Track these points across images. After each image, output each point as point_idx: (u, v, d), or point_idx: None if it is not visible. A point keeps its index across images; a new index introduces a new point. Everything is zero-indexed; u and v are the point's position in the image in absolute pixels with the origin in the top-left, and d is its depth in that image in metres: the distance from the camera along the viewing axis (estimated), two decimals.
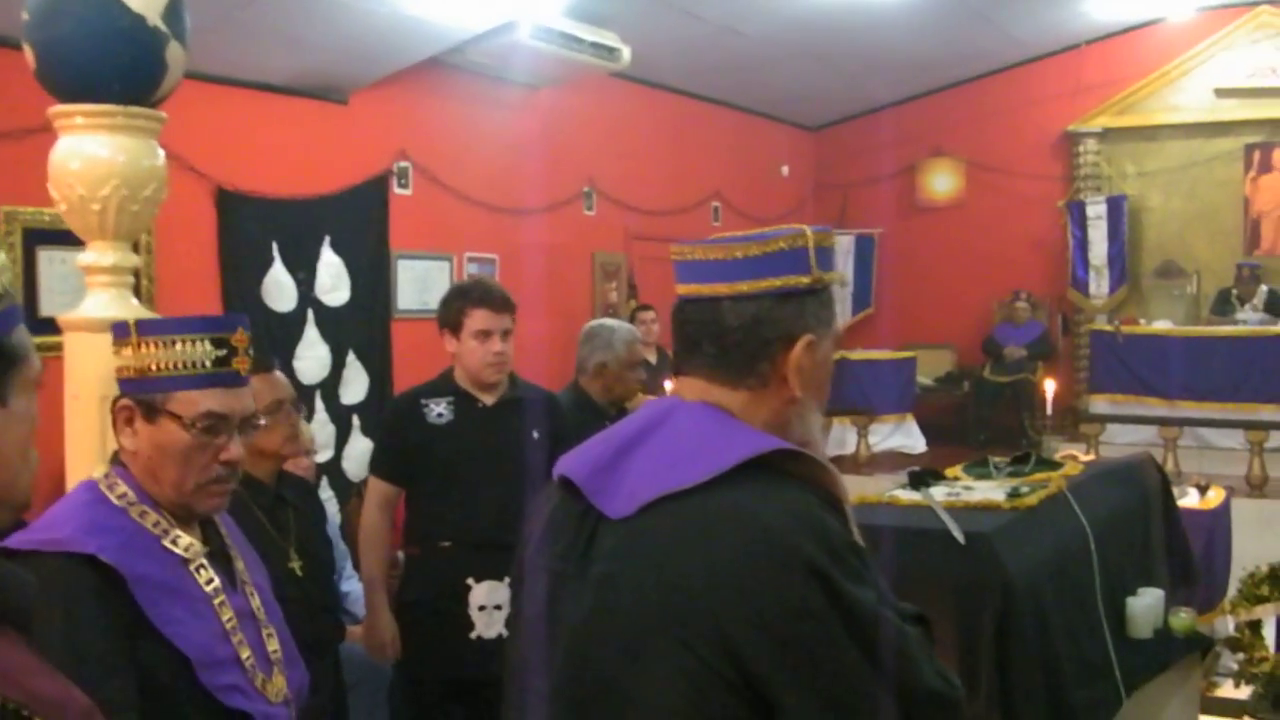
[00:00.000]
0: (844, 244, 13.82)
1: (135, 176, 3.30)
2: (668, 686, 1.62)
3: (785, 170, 13.59)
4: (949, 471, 3.78)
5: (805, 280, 1.81)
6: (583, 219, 10.93)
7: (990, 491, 3.35)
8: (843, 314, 13.83)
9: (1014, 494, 3.29)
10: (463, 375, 4.44)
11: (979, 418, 12.49)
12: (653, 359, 8.96)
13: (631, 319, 9.27)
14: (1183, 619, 3.71)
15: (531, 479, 4.36)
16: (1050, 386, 4.85)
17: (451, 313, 4.42)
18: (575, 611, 1.75)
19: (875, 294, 13.97)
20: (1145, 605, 3.59)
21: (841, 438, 11.35)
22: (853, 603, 1.63)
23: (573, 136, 10.57)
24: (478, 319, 4.35)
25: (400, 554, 4.98)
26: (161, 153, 3.41)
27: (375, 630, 4.41)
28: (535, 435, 4.44)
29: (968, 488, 3.44)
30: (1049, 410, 4.89)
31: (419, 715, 4.56)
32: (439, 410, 4.38)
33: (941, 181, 14.04)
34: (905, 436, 11.79)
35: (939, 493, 3.33)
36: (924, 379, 12.92)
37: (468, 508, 4.30)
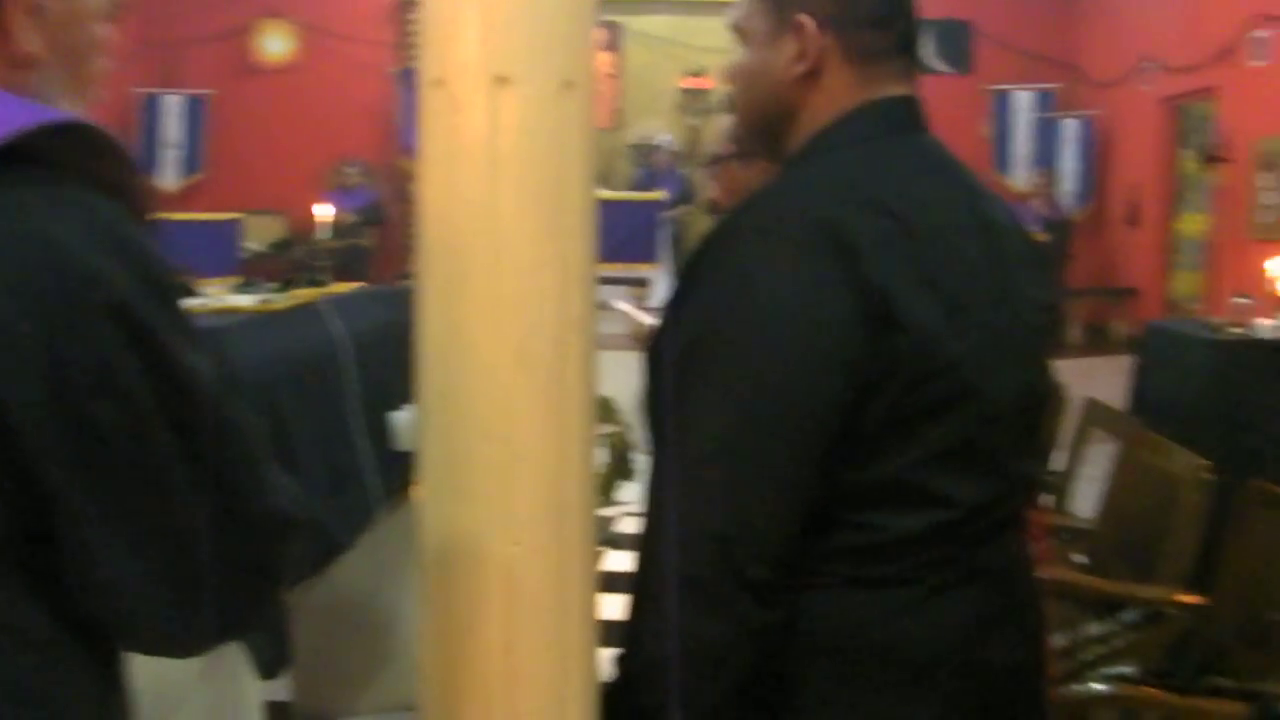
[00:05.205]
0: (174, 105, 13.26)
1: None
2: None
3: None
4: (213, 290, 3.66)
5: None
6: None
7: (242, 300, 3.27)
8: (172, 178, 13.28)
9: (264, 301, 3.23)
10: None
11: (311, 280, 12.39)
12: None
13: None
14: None
15: None
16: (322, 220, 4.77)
17: None
18: None
19: (206, 158, 13.45)
20: (408, 419, 3.64)
21: None
22: (175, 368, 1.09)
23: None
24: None
25: None
26: None
27: None
28: None
29: (223, 299, 3.35)
30: (321, 241, 4.82)
31: None
32: None
33: (275, 44, 13.69)
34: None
35: (193, 302, 3.20)
36: (257, 245, 12.63)
37: None
